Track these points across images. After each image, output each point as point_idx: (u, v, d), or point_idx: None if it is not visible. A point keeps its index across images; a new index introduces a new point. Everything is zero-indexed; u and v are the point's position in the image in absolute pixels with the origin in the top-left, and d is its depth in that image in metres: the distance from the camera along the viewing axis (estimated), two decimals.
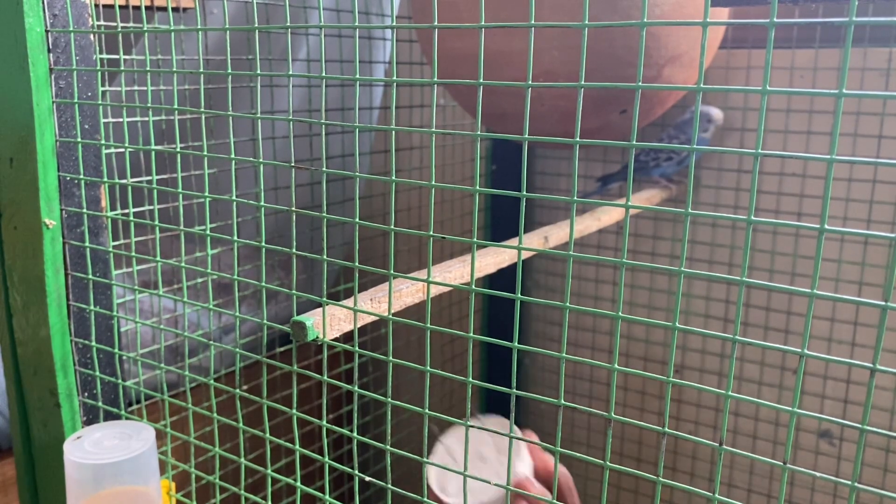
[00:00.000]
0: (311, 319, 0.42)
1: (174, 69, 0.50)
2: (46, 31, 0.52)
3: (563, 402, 0.36)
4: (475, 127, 0.35)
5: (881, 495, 0.31)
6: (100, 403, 0.59)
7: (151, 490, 0.52)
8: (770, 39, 0.28)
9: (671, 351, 0.33)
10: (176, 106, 0.48)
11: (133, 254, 0.55)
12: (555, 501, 0.36)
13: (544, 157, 1.03)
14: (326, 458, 0.46)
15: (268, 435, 0.49)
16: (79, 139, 0.54)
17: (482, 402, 1.10)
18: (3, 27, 0.52)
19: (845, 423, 0.30)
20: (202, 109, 0.45)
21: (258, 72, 0.41)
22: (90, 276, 0.56)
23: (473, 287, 0.38)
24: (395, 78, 0.38)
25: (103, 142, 0.56)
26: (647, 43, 0.66)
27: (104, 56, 0.60)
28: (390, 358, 0.41)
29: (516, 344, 0.36)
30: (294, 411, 0.47)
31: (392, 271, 0.40)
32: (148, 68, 0.49)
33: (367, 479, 0.45)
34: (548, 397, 0.36)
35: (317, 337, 0.42)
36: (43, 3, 0.51)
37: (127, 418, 0.59)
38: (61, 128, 0.54)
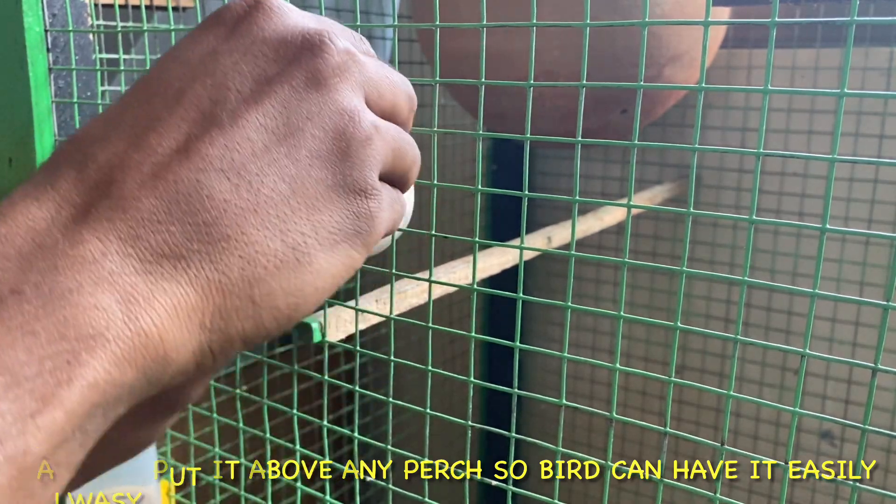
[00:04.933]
0: (317, 321, 0.42)
1: None
2: (45, 31, 0.52)
3: (564, 402, 0.36)
4: (475, 126, 0.35)
5: (883, 496, 0.31)
6: None
7: (151, 491, 0.51)
8: (771, 39, 0.28)
9: (672, 351, 0.33)
10: None
11: None
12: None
13: (545, 156, 1.03)
14: (327, 459, 0.46)
15: (268, 435, 0.49)
16: None
17: (483, 402, 1.10)
18: (2, 26, 0.51)
19: (847, 423, 0.30)
20: None
21: None
22: None
23: (475, 287, 0.38)
24: None
25: None
26: (648, 42, 0.66)
27: (103, 56, 0.60)
28: (392, 358, 0.41)
29: (518, 344, 0.36)
30: (294, 411, 0.47)
31: (394, 270, 0.40)
32: (147, 68, 0.48)
33: (369, 479, 0.45)
34: (549, 397, 0.36)
35: (322, 339, 0.42)
36: (42, 2, 0.51)
37: None
38: (60, 127, 0.54)
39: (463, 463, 0.40)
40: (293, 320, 0.25)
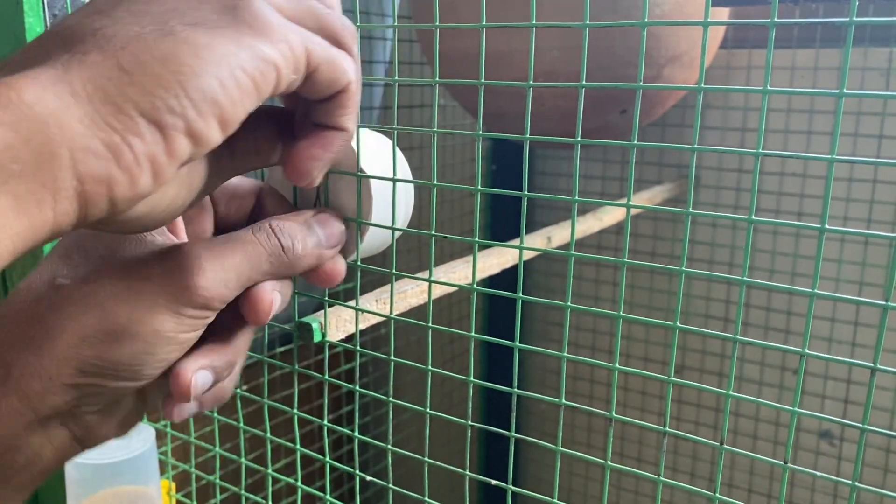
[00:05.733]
0: (317, 321, 0.42)
1: None
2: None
3: (564, 401, 0.36)
4: (475, 127, 0.35)
5: (882, 495, 0.32)
6: None
7: (151, 490, 0.52)
8: (771, 39, 0.28)
9: (672, 351, 0.33)
10: None
11: None
12: None
13: (544, 157, 1.03)
14: (327, 458, 0.46)
15: (268, 435, 0.49)
16: None
17: (482, 401, 1.10)
18: (3, 27, 0.51)
19: (846, 422, 0.30)
20: None
21: None
22: None
23: (475, 287, 0.38)
24: (395, 78, 0.38)
25: None
26: (647, 43, 0.66)
27: None
28: (392, 357, 0.41)
29: (518, 343, 0.36)
30: (295, 411, 0.47)
31: (394, 270, 0.40)
32: None
33: (368, 478, 0.45)
34: (548, 397, 0.36)
35: (322, 338, 0.42)
36: (43, 2, 0.51)
37: None
38: None
39: (463, 462, 0.40)
40: (197, 104, 0.25)
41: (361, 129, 0.38)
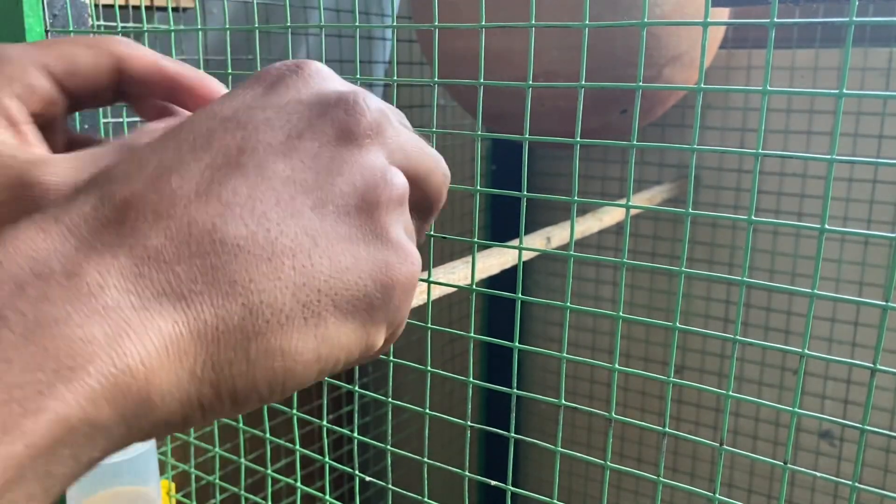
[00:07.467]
0: None
1: None
2: (46, 32, 0.52)
3: (563, 402, 0.36)
4: (475, 127, 0.35)
5: (882, 496, 0.31)
6: None
7: (151, 490, 0.52)
8: (770, 39, 0.28)
9: (671, 351, 0.33)
10: None
11: None
12: None
13: (544, 157, 1.03)
14: (327, 459, 0.46)
15: (268, 435, 0.49)
16: None
17: (482, 402, 1.10)
18: (3, 27, 0.52)
19: (846, 423, 0.30)
20: None
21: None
22: None
23: (474, 287, 0.38)
24: (395, 78, 0.38)
25: None
26: (647, 43, 0.66)
27: None
28: (391, 358, 0.41)
29: (517, 344, 0.36)
30: (294, 411, 0.47)
31: None
32: None
33: (368, 479, 0.45)
34: (548, 397, 0.36)
35: None
36: (43, 3, 0.51)
37: None
38: None
39: (462, 462, 0.40)
40: (287, 389, 0.23)
41: None
